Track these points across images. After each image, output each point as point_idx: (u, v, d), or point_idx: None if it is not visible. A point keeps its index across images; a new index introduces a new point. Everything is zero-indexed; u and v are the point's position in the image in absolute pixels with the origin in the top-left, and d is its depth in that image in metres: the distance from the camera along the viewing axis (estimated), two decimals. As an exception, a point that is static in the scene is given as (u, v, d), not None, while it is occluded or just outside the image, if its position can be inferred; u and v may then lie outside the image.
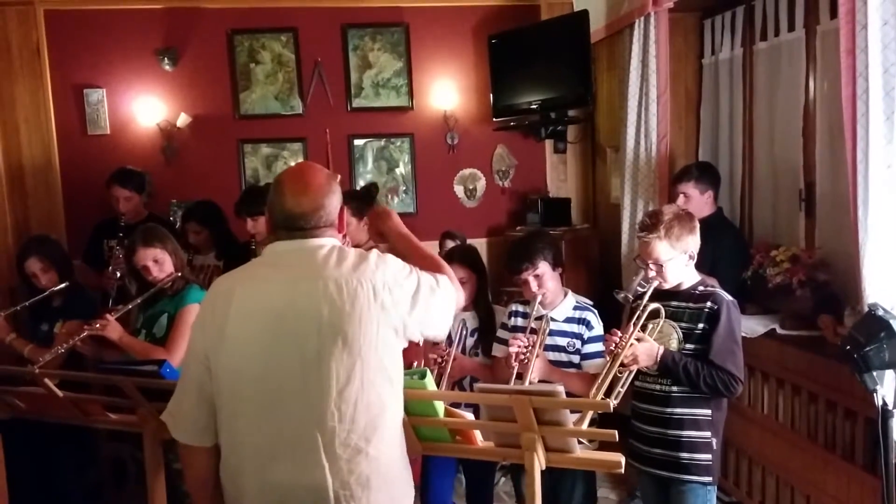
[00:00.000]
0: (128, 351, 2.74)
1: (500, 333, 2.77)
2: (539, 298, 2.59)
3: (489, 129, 5.08)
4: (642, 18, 3.78)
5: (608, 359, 2.30)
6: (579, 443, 1.99)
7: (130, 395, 2.24)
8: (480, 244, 4.91)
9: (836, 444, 2.65)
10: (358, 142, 5.05)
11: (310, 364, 1.59)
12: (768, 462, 3.08)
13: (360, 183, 4.95)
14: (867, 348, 2.12)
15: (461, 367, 2.73)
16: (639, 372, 2.36)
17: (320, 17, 4.92)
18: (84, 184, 4.58)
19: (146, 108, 4.77)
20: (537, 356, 2.46)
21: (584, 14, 4.42)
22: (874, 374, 2.14)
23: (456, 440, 2.08)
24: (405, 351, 1.75)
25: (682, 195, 3.45)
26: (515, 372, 2.44)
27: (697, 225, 2.42)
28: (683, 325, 2.37)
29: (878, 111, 2.30)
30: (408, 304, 1.68)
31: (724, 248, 3.28)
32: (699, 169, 3.56)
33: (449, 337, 2.78)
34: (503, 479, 3.78)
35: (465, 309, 2.75)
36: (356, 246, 2.65)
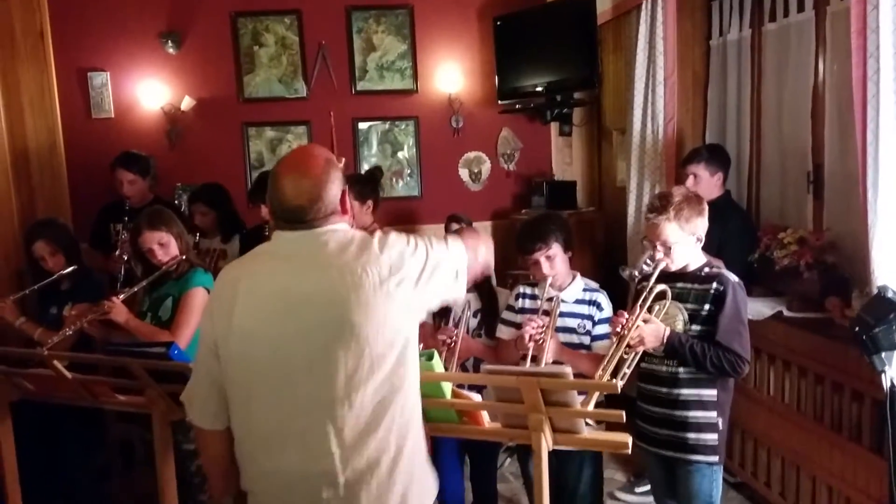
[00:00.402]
0: (134, 333, 2.75)
1: (506, 315, 2.77)
2: (549, 280, 2.58)
3: (494, 111, 5.06)
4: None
5: (614, 340, 2.30)
6: (586, 424, 1.99)
7: (139, 376, 2.25)
8: (485, 227, 4.91)
9: (843, 425, 2.65)
10: (362, 125, 5.03)
11: (316, 353, 1.59)
12: (774, 443, 3.09)
13: (365, 166, 4.93)
14: (876, 329, 2.14)
15: (467, 348, 2.75)
16: (645, 353, 2.36)
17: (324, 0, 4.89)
18: (89, 167, 4.57)
19: (150, 91, 4.76)
20: (551, 337, 2.45)
21: (590, -5, 4.37)
22: (883, 355, 2.16)
23: (463, 421, 2.09)
24: None
25: (691, 176, 3.42)
26: (531, 353, 2.44)
27: (706, 207, 2.41)
28: (689, 306, 2.37)
29: (889, 92, 2.28)
30: (413, 281, 1.66)
31: (731, 230, 3.27)
32: (709, 150, 3.54)
33: (457, 319, 2.79)
34: (508, 459, 3.80)
35: (468, 290, 2.75)
36: (362, 229, 2.63)
